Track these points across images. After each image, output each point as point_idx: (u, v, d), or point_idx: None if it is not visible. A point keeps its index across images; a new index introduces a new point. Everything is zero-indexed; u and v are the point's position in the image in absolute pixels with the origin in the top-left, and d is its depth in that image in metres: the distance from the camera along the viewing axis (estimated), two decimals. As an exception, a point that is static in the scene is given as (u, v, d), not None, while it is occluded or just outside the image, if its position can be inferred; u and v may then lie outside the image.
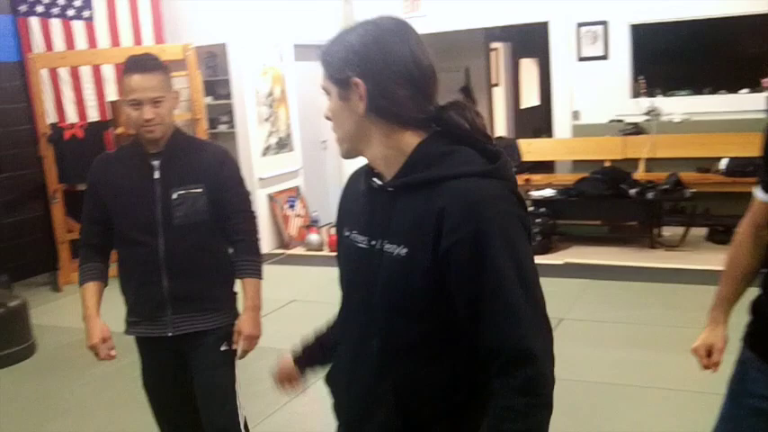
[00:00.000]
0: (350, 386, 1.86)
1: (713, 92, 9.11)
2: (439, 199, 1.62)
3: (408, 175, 1.69)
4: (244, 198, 3.09)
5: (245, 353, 3.08)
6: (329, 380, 1.98)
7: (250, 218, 3.10)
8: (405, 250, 1.66)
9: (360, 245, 1.79)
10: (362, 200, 1.82)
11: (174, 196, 2.92)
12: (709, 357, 2.44)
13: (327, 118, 1.79)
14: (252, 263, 3.08)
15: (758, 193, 2.30)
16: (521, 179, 9.34)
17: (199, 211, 2.95)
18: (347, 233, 1.85)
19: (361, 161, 1.85)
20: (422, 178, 1.67)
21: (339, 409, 1.95)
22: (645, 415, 4.35)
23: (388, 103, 1.68)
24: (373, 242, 1.75)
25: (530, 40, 13.39)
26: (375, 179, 1.79)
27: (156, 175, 2.94)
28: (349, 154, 1.81)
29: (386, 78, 1.67)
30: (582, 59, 9.38)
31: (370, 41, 1.68)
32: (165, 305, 2.98)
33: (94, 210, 3.02)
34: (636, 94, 9.23)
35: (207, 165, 2.99)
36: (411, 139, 1.71)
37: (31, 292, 7.02)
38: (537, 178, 9.27)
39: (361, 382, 1.81)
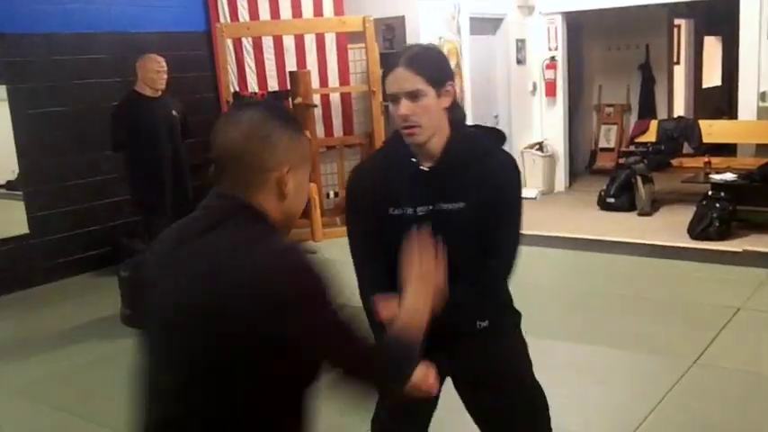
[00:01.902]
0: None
1: None
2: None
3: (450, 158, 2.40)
4: None
5: None
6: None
7: None
8: (461, 204, 2.37)
9: (419, 213, 2.36)
10: (408, 181, 2.39)
11: None
12: None
13: (406, 115, 2.30)
14: None
15: None
16: (699, 161, 8.99)
17: None
18: (398, 211, 2.38)
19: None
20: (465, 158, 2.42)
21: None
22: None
23: (457, 104, 2.42)
24: (431, 206, 2.36)
25: (715, 17, 12.81)
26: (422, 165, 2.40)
27: None
28: (425, 140, 2.35)
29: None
30: (772, 37, 8.88)
31: (445, 59, 2.48)
32: None
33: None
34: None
35: None
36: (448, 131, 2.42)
37: (209, 253, 7.34)
38: (716, 161, 8.88)
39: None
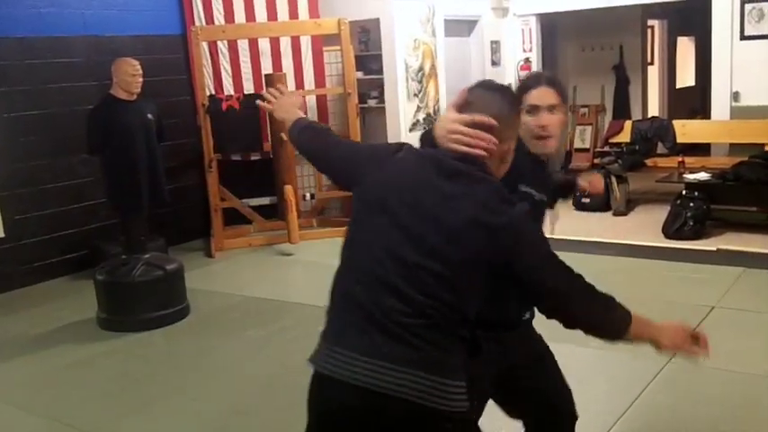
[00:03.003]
0: None
1: None
2: None
3: None
4: None
5: None
6: None
7: None
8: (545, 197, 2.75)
9: (537, 197, 2.66)
10: (530, 168, 2.66)
11: None
12: None
13: (546, 126, 2.66)
14: None
15: None
16: (673, 161, 9.08)
17: None
18: (525, 189, 2.60)
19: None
20: None
21: None
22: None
23: None
24: (539, 195, 2.69)
25: (688, 18, 12.92)
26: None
27: None
28: (553, 150, 2.74)
29: None
30: (745, 38, 8.98)
31: None
32: None
33: None
34: (802, 76, 8.77)
35: None
36: None
37: (185, 257, 7.33)
38: (690, 161, 8.97)
39: None
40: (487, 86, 2.37)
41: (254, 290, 6.94)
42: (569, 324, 2.31)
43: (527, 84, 2.76)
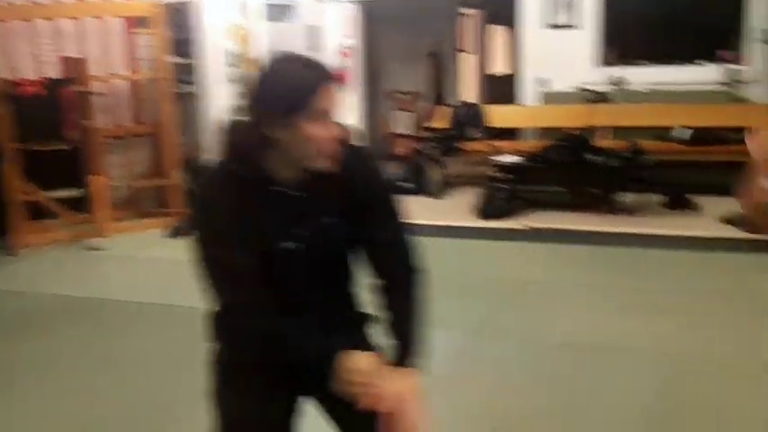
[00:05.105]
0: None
1: (677, 63, 9.23)
2: None
3: None
4: None
5: None
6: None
7: None
8: None
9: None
10: None
11: None
12: None
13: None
14: None
15: None
16: (487, 145, 9.32)
17: None
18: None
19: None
20: None
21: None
22: (610, 376, 4.36)
23: None
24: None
25: (500, 7, 13.30)
26: None
27: None
28: None
29: None
30: (553, 27, 9.38)
31: None
32: None
33: None
34: (603, 63, 9.27)
35: None
36: None
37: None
38: (502, 144, 9.25)
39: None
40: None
41: (64, 288, 6.58)
42: None
43: (310, 82, 1.99)
